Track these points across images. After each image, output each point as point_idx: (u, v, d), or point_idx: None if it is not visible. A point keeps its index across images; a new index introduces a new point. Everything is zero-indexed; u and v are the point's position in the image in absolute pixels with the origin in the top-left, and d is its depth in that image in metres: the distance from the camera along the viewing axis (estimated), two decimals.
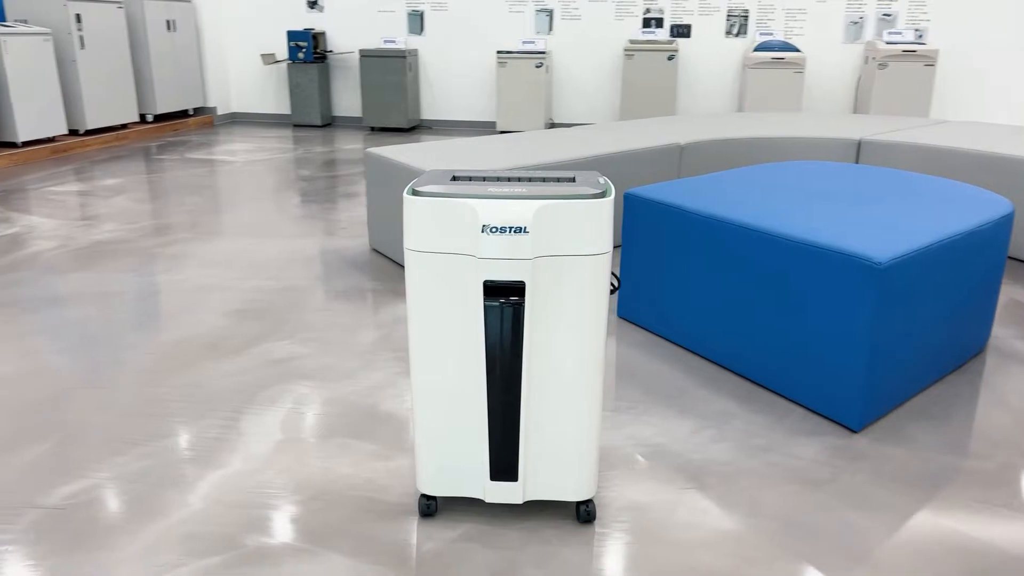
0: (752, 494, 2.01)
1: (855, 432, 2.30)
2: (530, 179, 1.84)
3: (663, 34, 8.28)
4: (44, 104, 6.61)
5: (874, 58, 7.46)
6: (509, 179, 1.84)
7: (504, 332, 1.72)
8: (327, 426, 2.30)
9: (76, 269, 3.69)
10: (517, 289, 1.69)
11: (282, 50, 8.94)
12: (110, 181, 5.69)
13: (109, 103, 7.35)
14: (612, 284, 2.01)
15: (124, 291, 3.40)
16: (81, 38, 6.98)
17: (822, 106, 8.10)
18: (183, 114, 8.69)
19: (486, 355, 1.73)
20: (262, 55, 8.61)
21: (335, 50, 8.86)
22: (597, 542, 1.82)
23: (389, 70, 8.31)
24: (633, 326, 3.10)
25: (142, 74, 7.88)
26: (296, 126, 8.85)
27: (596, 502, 1.96)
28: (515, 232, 1.64)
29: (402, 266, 3.83)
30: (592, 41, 8.44)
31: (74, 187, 5.47)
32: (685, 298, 2.83)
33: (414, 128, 8.82)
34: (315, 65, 8.54)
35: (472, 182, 1.76)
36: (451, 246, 1.67)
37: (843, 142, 4.40)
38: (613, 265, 2.93)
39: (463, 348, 1.73)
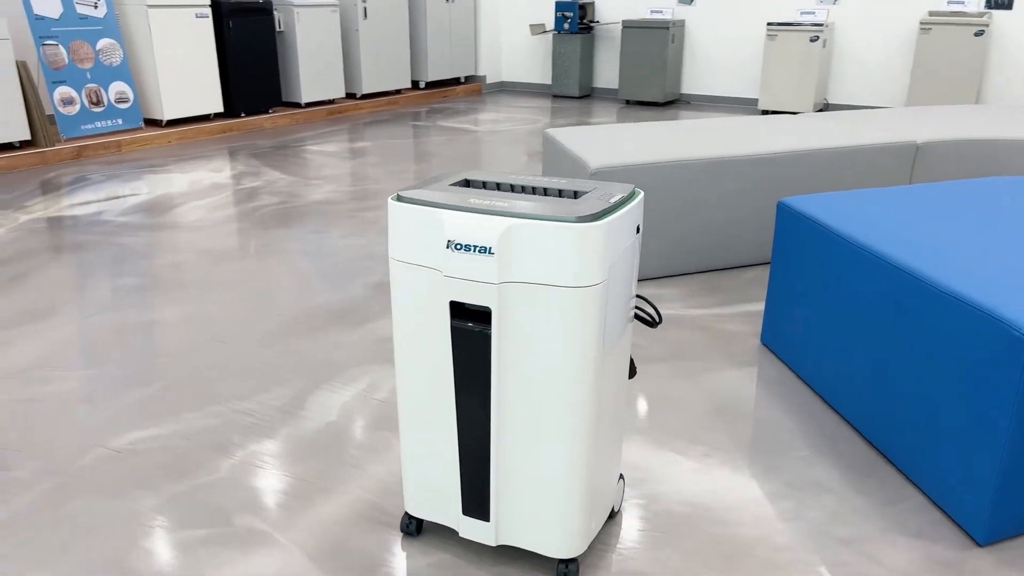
0: None
1: (978, 546, 1.76)
2: (544, 190, 1.63)
3: (974, 5, 6.96)
4: (327, 69, 7.38)
5: None
6: (524, 188, 1.65)
7: (472, 359, 1.55)
8: (381, 417, 2.29)
9: (279, 227, 4.08)
10: (486, 314, 1.51)
11: (552, 21, 9.02)
12: (359, 144, 6.21)
13: (384, 70, 7.99)
14: (652, 317, 1.73)
15: (304, 251, 3.69)
16: (365, 9, 7.64)
17: None
18: (454, 82, 9.19)
19: (455, 380, 1.58)
20: (530, 25, 8.77)
21: (601, 20, 8.74)
22: None
23: (650, 42, 8.01)
24: (772, 357, 2.67)
25: (418, 43, 8.44)
26: (555, 96, 8.94)
27: (591, 565, 1.72)
28: (480, 252, 1.46)
29: None
30: (884, 12, 7.37)
31: (328, 147, 6.05)
32: (821, 334, 2.36)
33: (671, 103, 8.44)
34: (579, 36, 8.50)
35: (473, 189, 1.60)
36: (425, 259, 1.53)
37: None
38: (758, 282, 2.47)
39: (436, 369, 1.60)
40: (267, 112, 6.92)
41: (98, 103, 5.82)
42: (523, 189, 1.65)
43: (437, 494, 1.71)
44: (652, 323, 1.76)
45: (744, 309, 3.05)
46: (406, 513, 1.79)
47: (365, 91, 7.80)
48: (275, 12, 6.91)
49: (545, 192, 1.63)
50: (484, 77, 9.29)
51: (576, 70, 8.67)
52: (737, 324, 2.92)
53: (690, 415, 2.31)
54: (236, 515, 1.85)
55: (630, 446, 2.16)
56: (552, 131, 3.74)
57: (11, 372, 2.52)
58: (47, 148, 5.38)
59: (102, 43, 5.84)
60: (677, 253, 3.35)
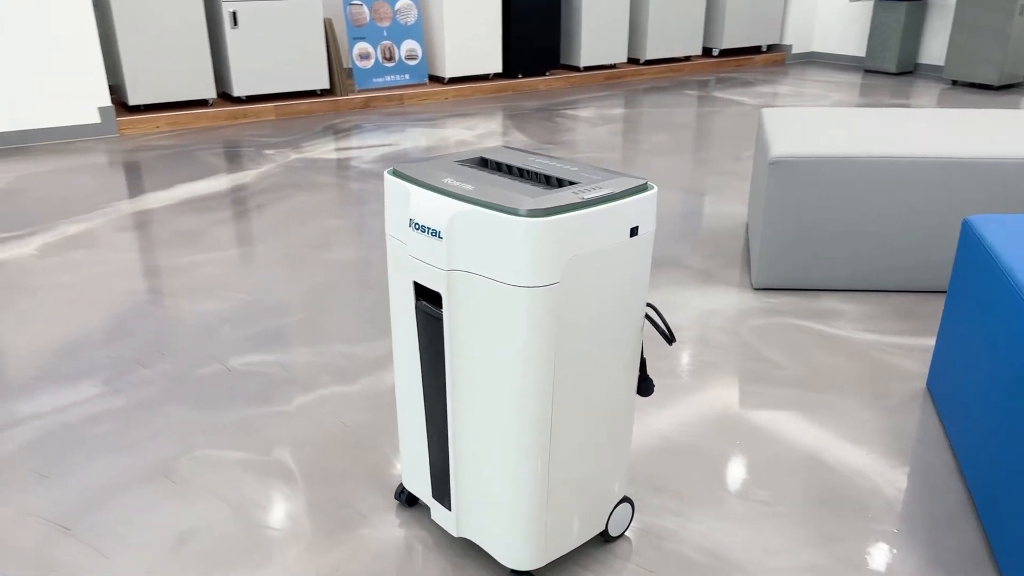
0: None
1: None
2: (546, 178, 1.49)
3: None
4: (610, 34, 7.34)
5: None
6: (522, 173, 1.52)
7: (431, 342, 1.49)
8: None
9: None
10: (440, 298, 1.44)
11: None
12: (617, 111, 6.13)
13: (673, 35, 7.73)
14: (667, 333, 1.52)
15: None
16: None
17: None
18: (754, 50, 8.59)
19: (420, 362, 1.54)
20: None
21: None
22: None
23: (993, 10, 6.73)
24: (929, 406, 2.18)
25: (715, 7, 8.01)
26: (867, 72, 7.95)
27: None
28: (432, 235, 1.39)
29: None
30: None
31: (586, 112, 6.07)
32: (976, 390, 1.87)
33: (1009, 87, 7.04)
34: (905, 3, 7.42)
35: (473, 169, 1.52)
36: (401, 235, 1.50)
37: None
38: (930, 310, 1.89)
39: (411, 347, 1.57)
40: (543, 74, 7.10)
41: (390, 59, 6.44)
42: (521, 173, 1.53)
43: (420, 471, 1.70)
44: (667, 338, 1.54)
45: (929, 343, 2.51)
46: (401, 483, 1.80)
47: (649, 57, 7.63)
48: None
49: (546, 180, 1.49)
50: (790, 47, 8.55)
51: (896, 43, 7.60)
52: (910, 360, 2.42)
53: (778, 454, 1.99)
54: (276, 448, 2.02)
55: (683, 472, 1.93)
56: (766, 110, 3.36)
57: (195, 285, 2.97)
58: (340, 97, 6.11)
59: (400, 4, 6.42)
60: (870, 265, 2.84)
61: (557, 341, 1.37)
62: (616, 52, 7.44)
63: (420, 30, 6.54)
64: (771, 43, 8.48)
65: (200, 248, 3.35)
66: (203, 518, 1.76)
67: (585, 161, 4.64)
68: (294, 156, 4.83)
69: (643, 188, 1.42)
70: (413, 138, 5.27)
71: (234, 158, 4.78)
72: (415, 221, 1.42)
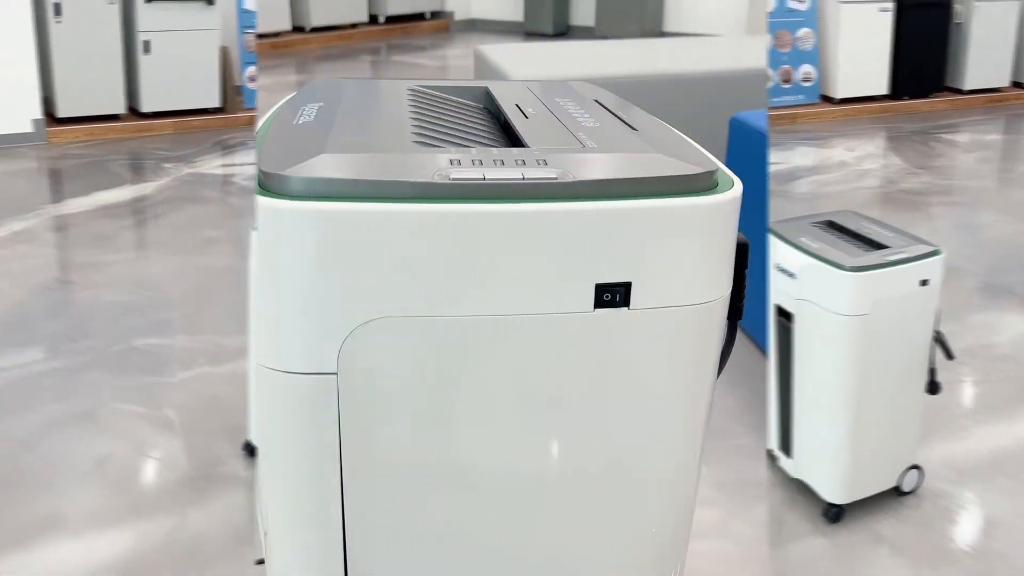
0: None
1: None
2: (875, 244, 2.25)
3: None
4: (996, 56, 7.10)
5: None
6: (859, 238, 2.30)
7: (785, 346, 2.37)
8: None
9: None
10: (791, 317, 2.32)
11: None
12: (992, 136, 6.25)
13: (338, 1, 8.13)
14: (948, 353, 2.23)
15: None
16: None
17: None
18: (419, 17, 8.98)
19: (778, 360, 2.42)
20: None
21: None
22: None
23: None
24: None
25: None
26: (527, 35, 8.59)
27: (854, 516, 2.34)
28: (788, 275, 2.27)
29: None
30: None
31: (961, 137, 6.21)
32: None
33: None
34: None
35: (822, 231, 2.35)
36: (772, 274, 2.40)
37: None
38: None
39: (774, 351, 2.46)
40: (927, 96, 7.20)
41: (788, 81, 7.11)
42: (854, 235, 2.29)
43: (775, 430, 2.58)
44: (947, 355, 2.23)
45: None
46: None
47: (315, 24, 8.02)
48: (955, 5, 7.05)
49: (869, 243, 2.24)
50: (452, 13, 8.98)
51: (550, 5, 8.17)
52: None
53: None
54: (165, 407, 2.70)
55: (971, 456, 2.54)
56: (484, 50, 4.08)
57: (108, 280, 3.71)
58: None
59: (800, 32, 7.06)
60: None
61: (867, 351, 2.16)
62: (1000, 75, 7.29)
63: (816, 55, 7.12)
64: (435, 10, 9.24)
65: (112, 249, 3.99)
66: (117, 449, 2.47)
67: (957, 190, 4.96)
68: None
69: (934, 253, 2.14)
70: (801, 155, 5.95)
71: None
72: (779, 265, 2.32)
